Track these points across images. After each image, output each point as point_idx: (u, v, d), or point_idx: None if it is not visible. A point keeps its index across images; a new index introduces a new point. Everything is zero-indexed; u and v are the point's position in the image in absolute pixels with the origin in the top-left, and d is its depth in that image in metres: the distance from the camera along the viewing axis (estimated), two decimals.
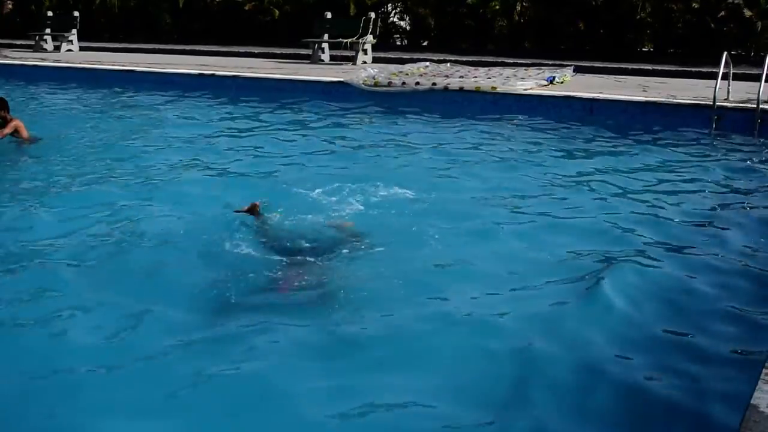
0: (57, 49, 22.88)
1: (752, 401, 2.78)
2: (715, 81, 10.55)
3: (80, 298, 5.00)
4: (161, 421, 3.70)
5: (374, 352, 4.36)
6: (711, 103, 10.55)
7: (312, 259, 5.43)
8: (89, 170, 8.53)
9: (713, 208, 7.19)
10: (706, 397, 3.94)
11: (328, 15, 19.17)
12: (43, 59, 19.59)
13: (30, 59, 19.66)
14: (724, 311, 4.91)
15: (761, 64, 10.55)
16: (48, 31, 23.37)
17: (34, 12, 27.35)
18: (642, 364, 4.28)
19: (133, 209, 6.93)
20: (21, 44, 24.39)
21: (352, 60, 18.20)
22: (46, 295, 5.08)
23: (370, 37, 18.47)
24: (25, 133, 9.75)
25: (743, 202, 7.43)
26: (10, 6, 31.50)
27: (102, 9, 27.13)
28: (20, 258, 5.73)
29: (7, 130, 9.60)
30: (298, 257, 5.48)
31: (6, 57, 20.55)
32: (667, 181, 8.16)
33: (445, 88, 12.75)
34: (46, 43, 23.16)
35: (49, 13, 24.08)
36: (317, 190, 7.38)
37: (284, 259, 5.45)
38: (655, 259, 5.80)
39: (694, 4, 18.56)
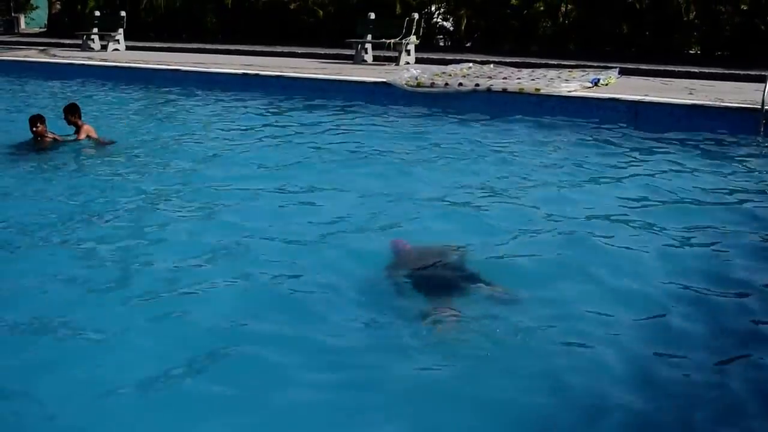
0: (104, 48, 23.17)
1: None
2: (764, 84, 10.38)
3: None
4: None
5: None
6: (759, 106, 10.37)
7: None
8: (140, 172, 8.68)
9: (761, 213, 7.08)
10: None
11: (371, 16, 19.17)
12: (90, 58, 19.89)
13: (77, 58, 19.96)
14: None
15: None
16: (95, 30, 23.68)
17: (81, 12, 27.77)
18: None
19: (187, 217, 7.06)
20: (69, 43, 24.78)
21: (395, 61, 18.18)
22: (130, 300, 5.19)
23: (413, 38, 18.44)
24: (95, 136, 9.87)
25: None
26: (58, 6, 32.01)
27: (148, 9, 27.46)
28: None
29: (81, 135, 9.73)
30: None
31: (54, 56, 20.90)
32: (714, 185, 8.03)
33: (488, 90, 12.68)
34: (94, 42, 23.47)
35: (97, 13, 24.41)
36: (364, 197, 7.46)
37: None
38: (703, 267, 5.74)
39: (743, 6, 18.26)
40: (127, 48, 23.28)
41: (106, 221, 6.86)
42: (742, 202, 7.46)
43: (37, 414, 3.92)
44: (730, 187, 7.96)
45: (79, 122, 9.79)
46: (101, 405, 3.98)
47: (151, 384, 4.18)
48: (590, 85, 12.76)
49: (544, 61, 16.92)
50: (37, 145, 9.46)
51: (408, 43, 18.34)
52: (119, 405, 3.99)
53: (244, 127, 11.36)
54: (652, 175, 8.40)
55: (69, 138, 9.73)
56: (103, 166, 9.00)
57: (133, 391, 4.11)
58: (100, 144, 9.79)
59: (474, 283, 5.19)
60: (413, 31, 18.40)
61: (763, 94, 10.27)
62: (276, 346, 4.55)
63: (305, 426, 3.87)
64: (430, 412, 3.96)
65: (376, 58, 18.97)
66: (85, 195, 7.71)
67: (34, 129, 9.44)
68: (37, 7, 37.03)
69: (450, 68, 15.20)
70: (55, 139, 9.61)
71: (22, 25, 36.70)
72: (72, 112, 9.78)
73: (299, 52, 20.76)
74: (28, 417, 3.91)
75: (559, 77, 13.50)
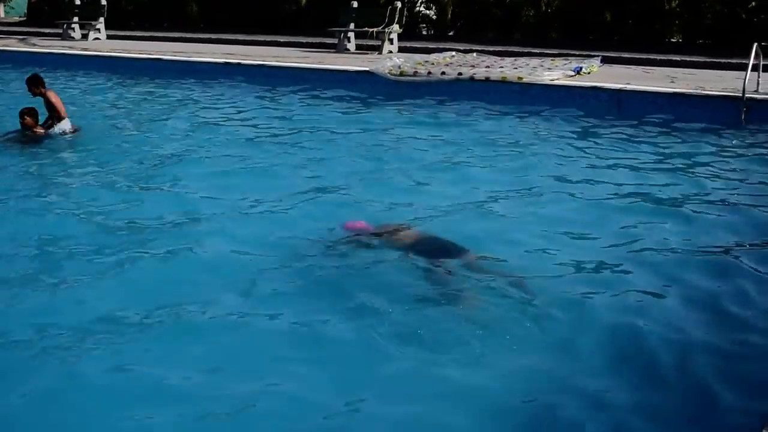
0: (84, 37, 22.98)
1: None
2: (744, 72, 10.43)
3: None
4: None
5: None
6: (740, 94, 10.42)
7: None
8: (120, 162, 8.63)
9: (741, 201, 7.12)
10: None
11: (354, 4, 19.12)
12: (70, 47, 19.72)
13: (58, 47, 19.78)
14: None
15: None
16: (76, 19, 23.50)
17: (62, 0, 27.50)
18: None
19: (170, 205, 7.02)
20: (49, 33, 24.54)
21: (378, 49, 18.14)
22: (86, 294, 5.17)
23: (396, 27, 18.39)
24: (59, 106, 9.70)
25: None
26: None
27: None
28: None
29: (60, 112, 9.61)
30: None
31: (34, 45, 20.71)
32: (695, 173, 8.08)
33: (471, 78, 12.68)
34: (74, 31, 23.29)
35: (77, 2, 24.20)
36: (347, 186, 7.46)
37: None
38: (681, 254, 5.77)
39: None
40: (108, 37, 23.08)
41: (83, 209, 6.83)
42: (722, 188, 7.50)
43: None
44: (711, 174, 8.00)
45: (43, 90, 9.69)
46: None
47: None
48: (573, 73, 12.78)
49: (526, 50, 16.94)
50: (24, 136, 9.42)
51: (391, 32, 18.30)
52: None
53: (226, 116, 11.32)
54: (634, 163, 8.43)
55: (50, 129, 9.63)
56: (81, 156, 8.95)
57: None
58: (71, 132, 9.71)
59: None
60: (396, 19, 18.37)
61: (744, 82, 10.32)
62: (274, 333, 4.61)
63: (303, 414, 3.87)
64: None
65: (358, 47, 18.92)
66: (54, 183, 7.81)
67: (22, 121, 9.42)
68: None
69: (433, 57, 15.19)
70: (45, 132, 9.52)
71: (1, 13, 36.33)
72: (35, 84, 9.68)
73: (282, 40, 20.67)
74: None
75: (541, 66, 13.53)
